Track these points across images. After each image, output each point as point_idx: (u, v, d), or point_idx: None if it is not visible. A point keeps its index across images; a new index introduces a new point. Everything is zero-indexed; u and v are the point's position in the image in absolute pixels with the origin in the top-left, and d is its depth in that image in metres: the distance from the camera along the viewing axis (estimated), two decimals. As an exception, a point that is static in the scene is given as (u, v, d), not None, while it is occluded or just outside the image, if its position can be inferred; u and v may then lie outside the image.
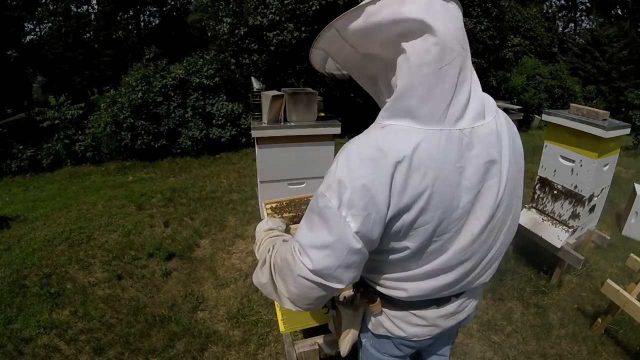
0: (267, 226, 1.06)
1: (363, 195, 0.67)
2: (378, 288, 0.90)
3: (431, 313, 0.91)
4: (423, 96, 0.69)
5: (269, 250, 0.87)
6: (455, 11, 0.73)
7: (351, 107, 7.19)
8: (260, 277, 0.87)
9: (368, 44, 0.73)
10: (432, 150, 0.68)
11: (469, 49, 0.74)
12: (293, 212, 1.55)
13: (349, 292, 1.06)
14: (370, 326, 0.99)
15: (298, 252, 0.73)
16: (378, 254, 0.80)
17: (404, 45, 0.68)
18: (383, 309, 0.93)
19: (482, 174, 0.75)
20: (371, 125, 0.76)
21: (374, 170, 0.67)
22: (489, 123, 0.76)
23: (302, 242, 0.73)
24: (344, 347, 1.04)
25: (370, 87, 0.84)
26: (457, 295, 0.92)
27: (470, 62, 0.75)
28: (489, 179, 0.76)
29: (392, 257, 0.80)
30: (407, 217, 0.71)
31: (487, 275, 0.91)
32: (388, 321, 0.94)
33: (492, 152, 0.75)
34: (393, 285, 0.86)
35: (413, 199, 0.69)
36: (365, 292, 0.93)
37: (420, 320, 0.92)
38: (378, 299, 0.91)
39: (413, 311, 0.91)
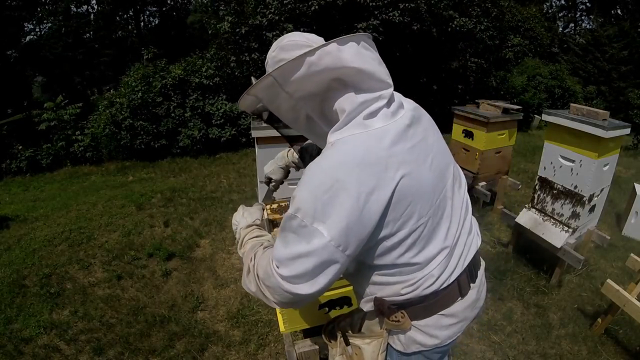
0: (245, 222, 1.07)
1: (331, 206, 0.72)
2: (406, 295, 0.87)
3: (459, 306, 0.93)
4: (365, 111, 0.79)
5: (251, 259, 0.90)
6: (372, 50, 0.84)
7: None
8: (248, 285, 0.90)
9: (304, 88, 0.80)
10: (382, 145, 0.76)
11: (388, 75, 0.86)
12: None
13: (360, 319, 0.99)
14: (399, 347, 0.94)
15: (275, 266, 0.79)
16: (387, 254, 0.82)
17: (339, 84, 0.79)
18: (412, 322, 0.90)
19: (423, 148, 0.84)
20: (326, 147, 0.82)
21: (337, 183, 0.72)
22: (409, 110, 0.87)
23: (278, 256, 0.78)
24: None
25: (302, 125, 0.91)
26: (474, 281, 0.97)
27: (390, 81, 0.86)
28: (430, 152, 0.85)
29: (399, 251, 0.82)
30: (392, 209, 0.76)
31: (476, 234, 1.01)
32: (420, 334, 0.91)
33: (420, 129, 0.86)
34: (423, 282, 0.86)
35: (388, 190, 0.74)
36: (389, 312, 0.90)
37: (450, 319, 0.92)
38: (405, 314, 0.89)
39: (443, 312, 0.91)
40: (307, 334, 1.81)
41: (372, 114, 0.79)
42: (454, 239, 0.90)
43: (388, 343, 0.97)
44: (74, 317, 2.46)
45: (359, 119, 0.79)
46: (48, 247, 3.25)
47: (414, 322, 0.90)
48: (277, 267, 0.78)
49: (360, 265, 0.88)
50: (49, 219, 3.94)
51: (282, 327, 1.60)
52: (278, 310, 1.63)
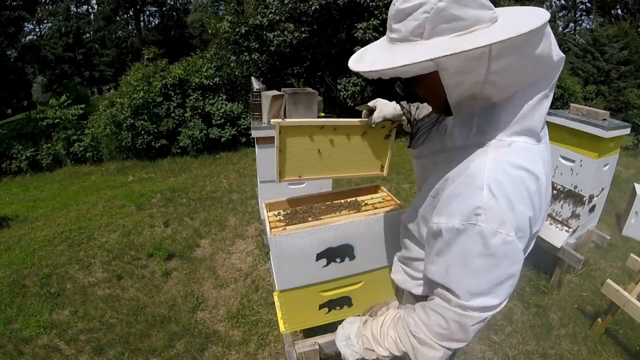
0: (353, 327, 1.04)
1: (524, 218, 0.71)
2: None
3: None
4: (538, 118, 0.75)
5: (407, 337, 0.85)
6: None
7: (351, 107, 7.19)
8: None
9: (512, 70, 0.69)
10: (544, 164, 0.77)
11: None
12: (310, 215, 1.49)
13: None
14: None
15: (468, 301, 0.74)
16: None
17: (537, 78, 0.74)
18: None
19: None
20: (492, 143, 0.74)
21: (527, 193, 0.71)
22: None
23: (473, 290, 0.73)
24: None
25: (461, 105, 0.77)
26: None
27: None
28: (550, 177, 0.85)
29: None
30: (536, 227, 0.78)
31: None
32: None
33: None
34: None
35: (542, 209, 0.77)
36: None
37: None
38: None
39: None
40: (307, 334, 1.81)
41: (538, 128, 0.76)
42: None
43: None
44: (74, 317, 2.46)
45: (533, 128, 0.75)
46: (48, 247, 3.25)
47: None
48: (469, 302, 0.73)
49: None
50: (49, 219, 3.94)
51: (282, 327, 1.59)
52: (278, 309, 1.63)
